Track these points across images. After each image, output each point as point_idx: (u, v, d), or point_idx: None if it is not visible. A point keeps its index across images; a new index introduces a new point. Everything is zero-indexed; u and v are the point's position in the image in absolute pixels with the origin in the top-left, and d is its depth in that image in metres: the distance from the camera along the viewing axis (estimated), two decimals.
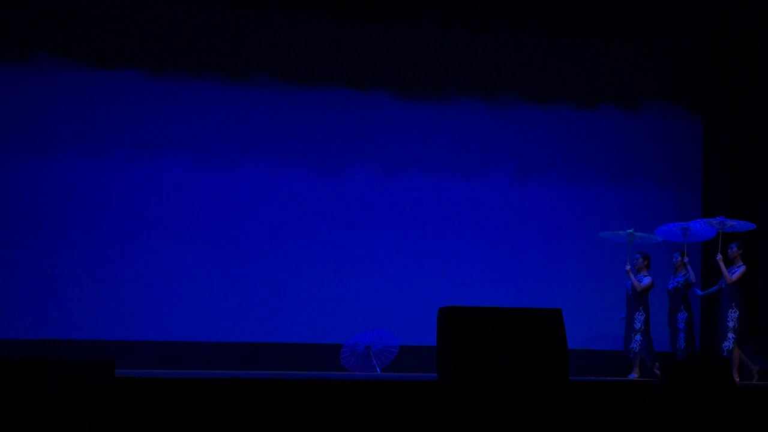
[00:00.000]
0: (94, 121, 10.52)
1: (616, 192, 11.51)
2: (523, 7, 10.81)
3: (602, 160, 11.55)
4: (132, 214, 10.50)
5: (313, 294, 10.72)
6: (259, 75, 11.02)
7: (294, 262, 10.78)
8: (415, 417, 5.21)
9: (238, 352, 10.33)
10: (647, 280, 9.80)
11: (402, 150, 11.17)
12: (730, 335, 9.30)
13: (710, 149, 11.46)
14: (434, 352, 6.69)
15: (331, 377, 6.44)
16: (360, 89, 11.16)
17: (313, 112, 11.01)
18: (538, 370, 6.20)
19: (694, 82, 11.69)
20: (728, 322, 9.35)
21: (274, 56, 10.99)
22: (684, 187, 11.61)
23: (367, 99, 11.18)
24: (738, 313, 9.35)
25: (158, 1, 10.47)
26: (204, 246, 10.58)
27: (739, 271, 9.51)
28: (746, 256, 9.79)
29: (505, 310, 6.72)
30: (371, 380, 6.08)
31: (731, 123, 11.32)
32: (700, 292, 10.11)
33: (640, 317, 9.71)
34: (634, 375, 9.73)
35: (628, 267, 9.92)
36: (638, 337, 9.66)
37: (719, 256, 9.57)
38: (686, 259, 9.76)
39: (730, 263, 9.61)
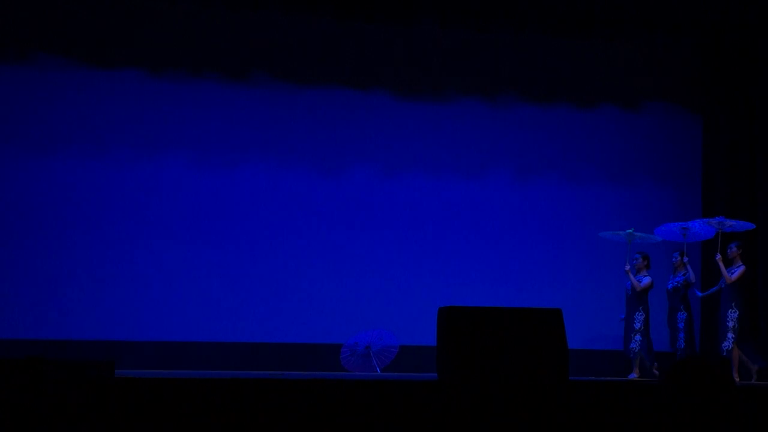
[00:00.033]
0: (94, 121, 10.52)
1: (616, 192, 11.51)
2: (523, 7, 10.81)
3: (602, 160, 11.55)
4: (132, 214, 10.50)
5: (313, 294, 10.72)
6: (259, 75, 11.02)
7: (294, 262, 10.78)
8: (415, 417, 5.21)
9: (238, 352, 10.33)
10: (647, 280, 9.80)
11: (402, 150, 11.17)
12: (730, 335, 9.30)
13: (710, 149, 11.46)
14: (434, 352, 6.69)
15: (331, 377, 6.44)
16: (360, 89, 11.17)
17: (313, 112, 11.01)
18: (538, 370, 6.20)
19: (694, 82, 11.69)
20: (728, 322, 9.35)
21: (274, 56, 10.99)
22: (684, 187, 11.61)
23: (367, 99, 11.18)
24: (738, 313, 9.35)
25: (158, 1, 10.48)
26: (204, 246, 10.58)
27: (739, 271, 9.50)
28: (746, 256, 9.79)
29: (505, 310, 6.72)
30: (371, 380, 6.08)
31: (731, 123, 11.32)
32: (700, 294, 10.11)
33: (639, 317, 9.71)
34: (634, 375, 9.73)
35: (627, 267, 9.92)
36: (638, 337, 9.66)
37: (719, 256, 9.58)
38: (686, 259, 9.76)
39: (729, 263, 9.61)
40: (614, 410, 5.45)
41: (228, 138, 10.81)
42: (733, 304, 9.39)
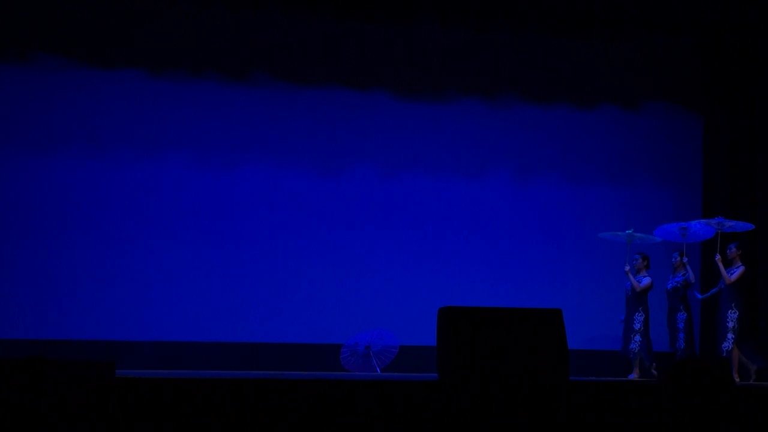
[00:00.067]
0: (94, 121, 10.52)
1: (616, 192, 11.50)
2: (523, 7, 10.81)
3: (602, 160, 11.55)
4: (132, 214, 10.50)
5: (313, 294, 10.72)
6: (259, 75, 11.02)
7: (294, 262, 10.78)
8: (415, 417, 5.21)
9: (238, 352, 10.33)
10: (647, 281, 9.80)
11: (402, 150, 11.17)
12: (730, 336, 9.30)
13: (710, 149, 11.46)
14: (434, 352, 6.70)
15: (331, 377, 6.44)
16: (360, 89, 11.16)
17: (313, 112, 11.01)
18: (538, 370, 6.20)
19: (694, 82, 11.68)
20: (728, 322, 9.34)
21: (274, 56, 10.99)
22: (684, 187, 11.61)
23: (367, 99, 11.18)
24: (737, 313, 9.35)
25: (158, 1, 10.48)
26: (204, 246, 10.58)
27: (738, 271, 9.50)
28: (746, 256, 9.79)
29: (505, 310, 6.73)
30: (371, 380, 6.08)
31: (731, 123, 11.32)
32: (700, 296, 10.11)
33: (639, 318, 9.70)
34: (634, 375, 9.73)
35: (627, 268, 9.92)
36: (637, 337, 9.66)
37: (718, 257, 9.57)
38: (685, 259, 9.76)
39: (728, 264, 9.61)
40: (614, 410, 5.46)
41: (228, 138, 10.81)
42: (732, 304, 9.39)
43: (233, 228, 10.72)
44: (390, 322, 10.39)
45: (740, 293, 9.50)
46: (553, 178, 11.43)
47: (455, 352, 6.26)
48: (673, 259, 9.91)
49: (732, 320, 9.33)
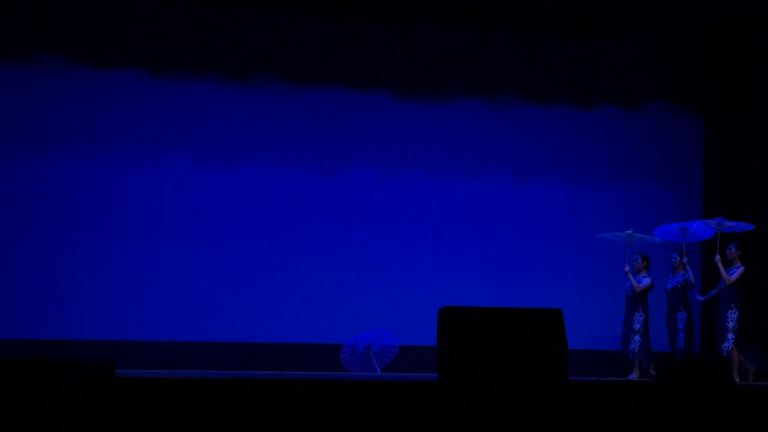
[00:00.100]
0: (94, 121, 10.52)
1: (616, 192, 11.51)
2: (523, 7, 10.81)
3: (602, 160, 11.55)
4: (132, 214, 10.50)
5: (313, 294, 10.73)
6: (259, 75, 11.02)
7: (294, 262, 10.78)
8: (415, 417, 5.21)
9: (238, 352, 10.33)
10: (646, 281, 9.80)
11: (402, 150, 11.17)
12: (730, 336, 9.30)
13: (710, 149, 11.46)
14: (434, 352, 6.70)
15: (331, 377, 6.44)
16: (360, 89, 11.17)
17: (313, 112, 11.01)
18: (538, 370, 6.20)
19: (694, 82, 11.68)
20: (728, 323, 9.34)
21: (274, 56, 10.99)
22: (684, 187, 11.61)
23: (367, 99, 11.18)
24: (737, 313, 9.35)
25: (158, 1, 10.48)
26: (204, 246, 10.58)
27: (738, 271, 9.50)
28: (746, 256, 9.79)
29: (505, 310, 6.73)
30: (371, 380, 6.08)
31: (731, 123, 11.32)
32: (700, 298, 10.11)
33: (639, 318, 9.70)
34: (634, 375, 9.73)
35: (627, 268, 9.92)
36: (637, 338, 9.66)
37: (717, 257, 9.57)
38: (685, 259, 9.76)
39: (728, 264, 9.61)
40: (614, 410, 5.45)
41: (228, 138, 10.81)
42: (732, 304, 9.39)
43: (233, 228, 10.72)
44: (390, 322, 10.39)
45: (740, 293, 9.50)
46: (553, 178, 11.43)
47: (455, 352, 6.26)
48: (673, 260, 9.91)
49: (732, 320, 9.33)
